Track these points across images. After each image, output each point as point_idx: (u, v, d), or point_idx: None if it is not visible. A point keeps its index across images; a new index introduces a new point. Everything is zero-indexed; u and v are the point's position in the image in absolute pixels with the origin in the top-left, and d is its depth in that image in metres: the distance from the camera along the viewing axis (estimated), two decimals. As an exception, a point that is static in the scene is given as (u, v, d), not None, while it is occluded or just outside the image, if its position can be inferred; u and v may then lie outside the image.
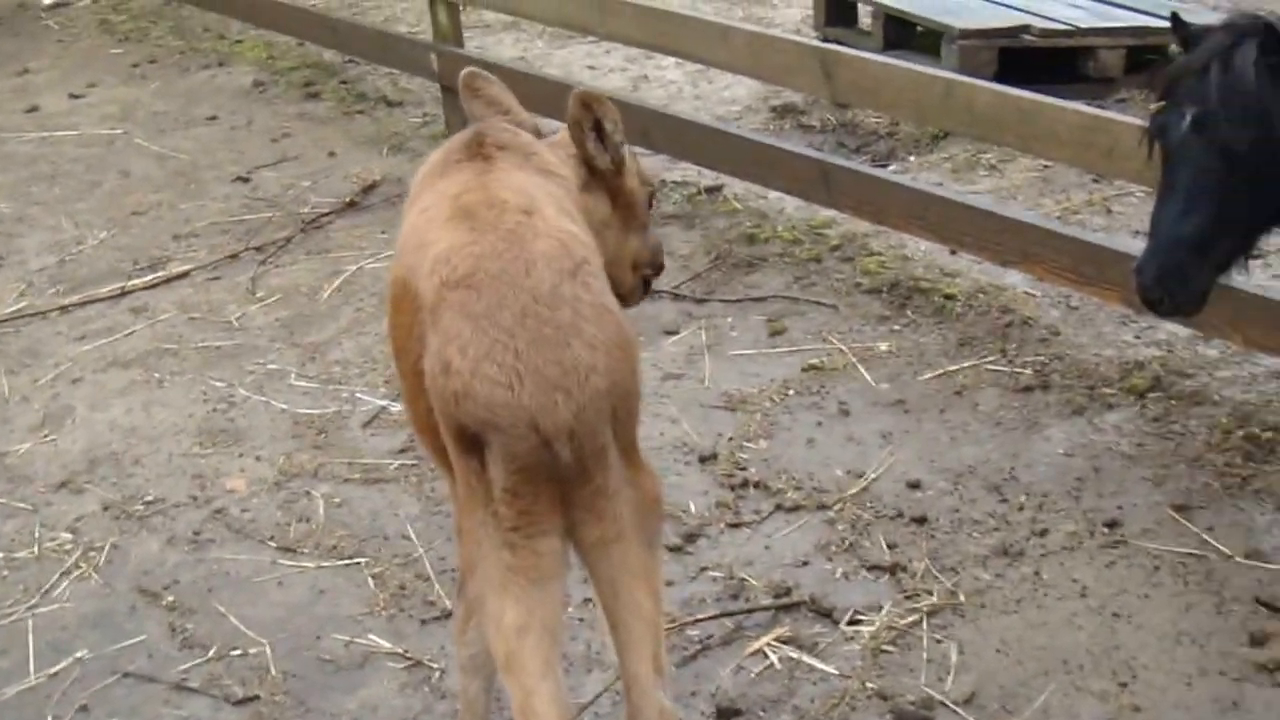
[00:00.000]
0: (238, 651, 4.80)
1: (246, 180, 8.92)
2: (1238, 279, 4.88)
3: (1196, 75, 4.44)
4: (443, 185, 3.46)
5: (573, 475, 3.03)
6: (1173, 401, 5.74)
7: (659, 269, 4.12)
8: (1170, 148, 4.52)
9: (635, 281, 4.02)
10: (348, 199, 8.45)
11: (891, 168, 8.39)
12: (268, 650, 4.78)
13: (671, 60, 9.73)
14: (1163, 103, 4.57)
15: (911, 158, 8.58)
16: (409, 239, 3.40)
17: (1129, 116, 5.90)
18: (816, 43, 7.46)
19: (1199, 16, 9.40)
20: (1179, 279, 4.45)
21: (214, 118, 10.12)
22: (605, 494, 3.08)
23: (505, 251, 3.11)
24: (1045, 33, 9.05)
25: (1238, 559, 4.82)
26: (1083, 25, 9.15)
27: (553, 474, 3.00)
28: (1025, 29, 9.06)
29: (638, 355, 3.18)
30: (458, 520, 3.25)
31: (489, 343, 2.97)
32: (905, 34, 9.89)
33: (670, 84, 10.29)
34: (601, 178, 3.79)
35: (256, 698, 4.59)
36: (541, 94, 8.45)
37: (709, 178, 8.10)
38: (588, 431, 2.99)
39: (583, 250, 3.20)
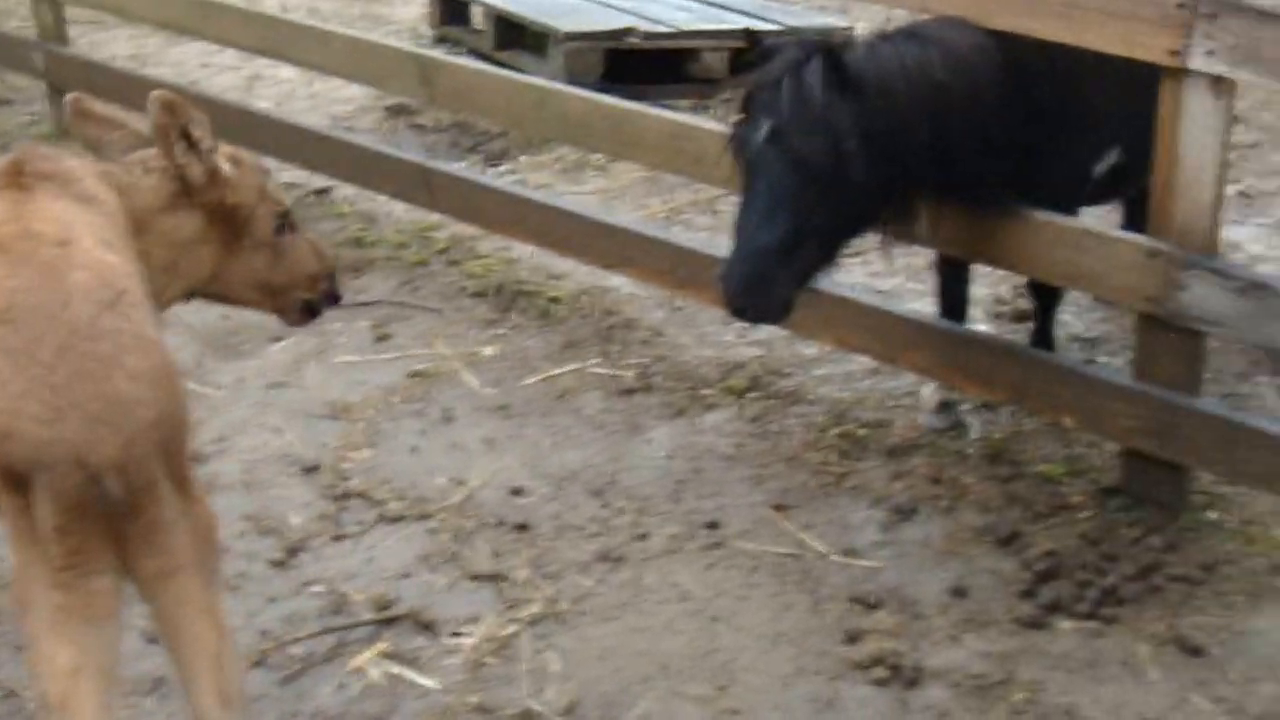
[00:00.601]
0: None
1: None
2: (829, 281, 5.01)
3: (770, 89, 4.53)
4: None
5: (124, 510, 2.93)
6: (771, 401, 5.84)
7: (324, 292, 4.10)
8: (749, 159, 4.61)
9: (280, 303, 4.03)
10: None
11: (503, 168, 8.37)
12: None
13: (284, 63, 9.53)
14: (742, 115, 4.66)
15: (523, 158, 8.58)
16: None
17: (716, 123, 5.98)
18: (415, 48, 7.42)
19: (803, 20, 9.71)
20: (761, 288, 4.55)
21: None
22: (160, 528, 3.00)
23: (41, 285, 3.01)
24: (649, 35, 9.14)
25: (833, 557, 4.91)
26: (687, 27, 9.27)
27: (103, 510, 2.89)
28: (630, 31, 9.13)
29: (183, 386, 3.09)
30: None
31: (28, 379, 2.86)
32: (517, 34, 9.89)
33: (284, 82, 10.10)
34: (198, 192, 3.69)
35: None
36: (148, 95, 8.23)
37: (321, 180, 7.94)
38: (137, 465, 2.91)
39: (122, 281, 3.10)
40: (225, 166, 3.76)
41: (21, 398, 2.85)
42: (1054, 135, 4.98)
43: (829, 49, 4.53)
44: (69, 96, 3.93)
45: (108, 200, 3.48)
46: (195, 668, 3.13)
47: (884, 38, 4.79)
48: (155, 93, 3.64)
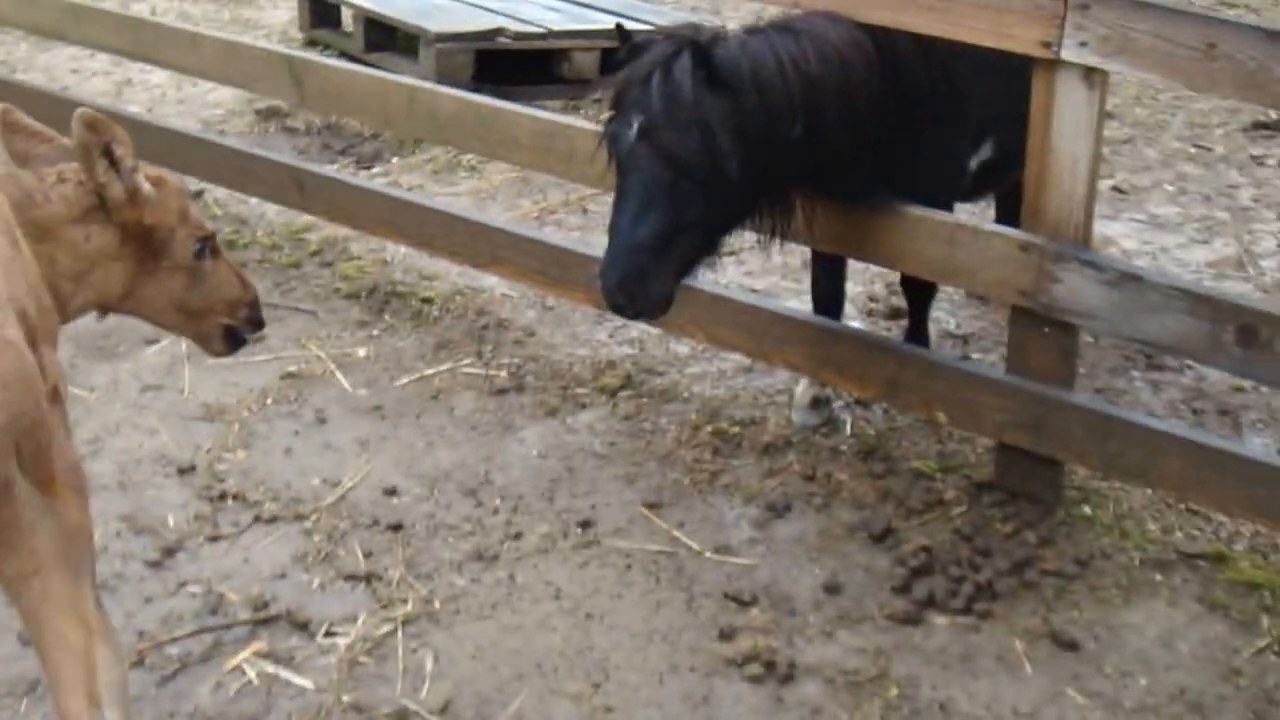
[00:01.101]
0: None
1: None
2: (700, 279, 4.99)
3: (640, 85, 4.51)
4: None
5: None
6: (644, 399, 5.82)
7: (245, 319, 4.14)
8: (621, 156, 4.59)
9: (199, 328, 4.08)
10: None
11: (375, 170, 8.30)
12: None
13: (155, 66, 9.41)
14: (612, 112, 4.63)
15: (395, 160, 8.51)
16: None
17: (587, 122, 5.97)
18: (285, 50, 7.33)
19: (672, 20, 9.71)
20: (639, 283, 4.52)
21: None
22: (17, 528, 2.97)
23: None
24: (519, 35, 9.12)
25: (707, 554, 4.90)
26: (556, 28, 9.26)
27: None
28: (500, 32, 9.10)
29: (40, 388, 3.00)
30: None
31: None
32: (387, 36, 9.84)
33: (155, 88, 9.97)
34: (116, 210, 3.71)
35: None
36: (19, 101, 8.07)
37: (191, 184, 7.82)
38: None
39: None
40: (146, 186, 3.76)
41: None
42: (929, 128, 5.00)
43: (698, 43, 4.50)
44: (1, 109, 3.93)
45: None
46: (62, 668, 3.07)
47: (755, 31, 4.77)
48: (79, 110, 3.63)
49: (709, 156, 4.48)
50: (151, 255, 3.83)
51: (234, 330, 4.14)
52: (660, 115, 4.47)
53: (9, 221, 3.42)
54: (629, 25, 9.21)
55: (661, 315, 4.74)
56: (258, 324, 4.19)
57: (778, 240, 5.01)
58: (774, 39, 4.68)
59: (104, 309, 3.92)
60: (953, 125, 5.09)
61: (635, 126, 4.52)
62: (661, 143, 4.47)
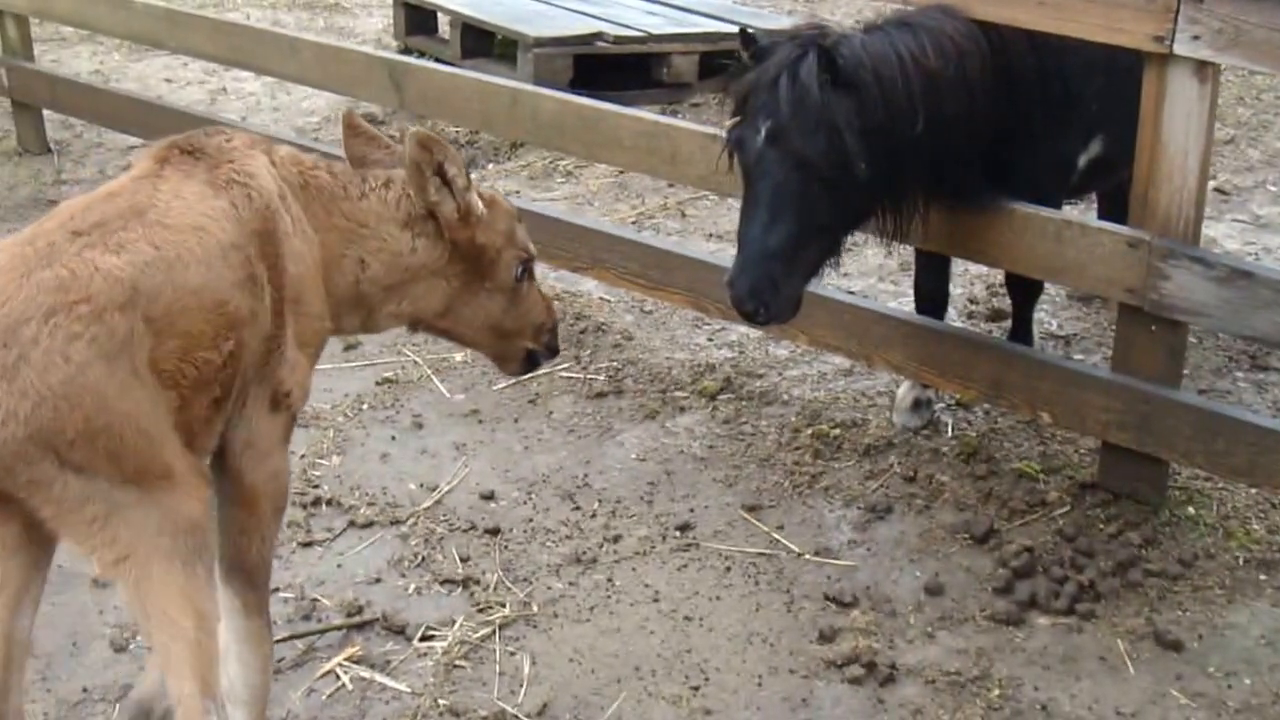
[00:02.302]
0: None
1: None
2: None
3: (767, 89, 4.50)
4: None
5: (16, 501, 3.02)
6: (743, 402, 5.79)
7: (545, 345, 4.08)
8: (748, 161, 4.59)
9: (504, 349, 4.03)
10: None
11: (472, 176, 8.30)
12: None
13: (250, 72, 9.48)
14: (738, 117, 4.62)
15: (490, 166, 8.53)
16: None
17: (690, 123, 5.94)
18: (385, 54, 7.34)
19: (771, 22, 9.68)
20: (771, 289, 4.54)
21: None
22: (84, 520, 3.02)
23: (14, 268, 3.01)
24: (618, 39, 9.12)
25: (807, 556, 4.86)
26: (656, 32, 9.25)
27: None
28: (599, 36, 9.11)
29: (97, 405, 2.98)
30: None
31: None
32: (483, 43, 9.88)
33: (249, 96, 10.08)
34: (448, 226, 3.71)
35: None
36: (114, 109, 8.24)
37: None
38: (5, 468, 2.94)
39: (86, 291, 3.00)
40: (479, 207, 3.75)
41: None
42: (1040, 124, 4.97)
43: (823, 45, 4.49)
44: (344, 111, 3.95)
45: (263, 192, 3.44)
46: (171, 655, 3.10)
47: (874, 29, 4.76)
48: (412, 130, 3.65)
49: (838, 157, 4.47)
50: (477, 275, 3.82)
51: (534, 354, 4.09)
52: (788, 118, 4.46)
53: (278, 214, 3.46)
54: (726, 28, 9.33)
55: (792, 318, 4.73)
56: (554, 351, 4.14)
57: (896, 241, 5.00)
58: (894, 36, 4.66)
59: (416, 324, 3.93)
60: (1063, 122, 5.03)
61: (763, 131, 4.51)
62: (791, 146, 4.47)
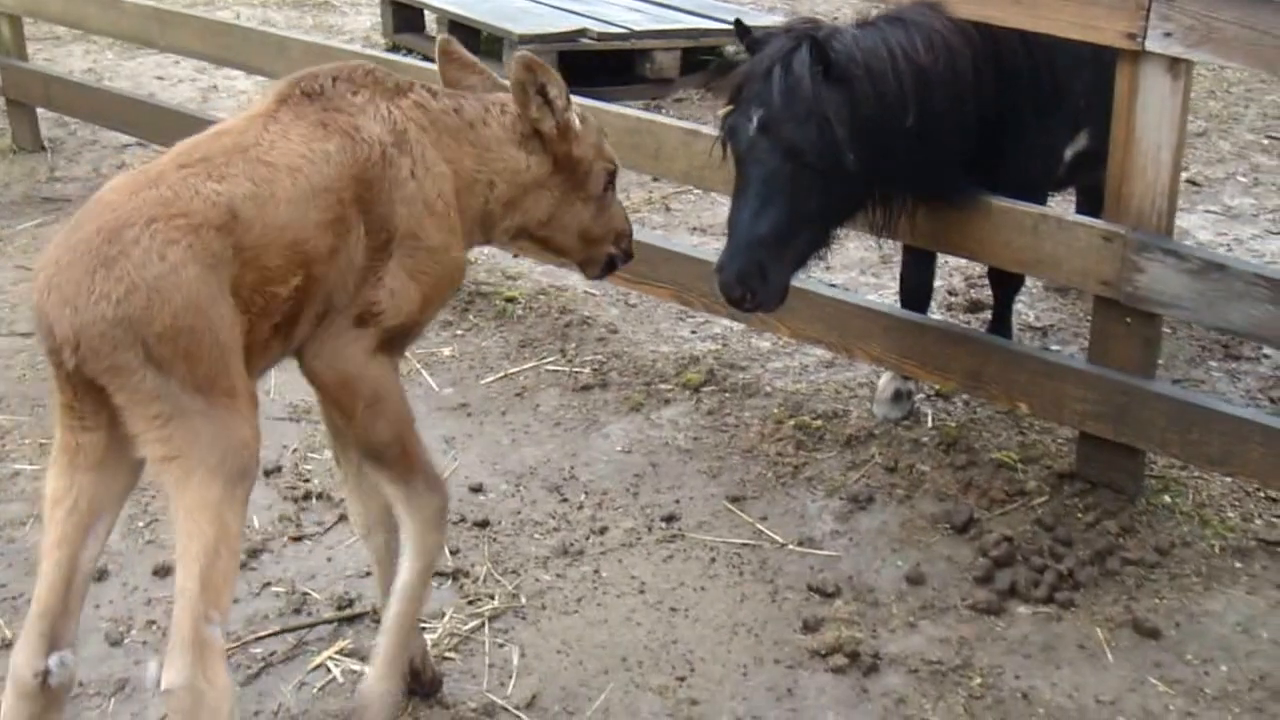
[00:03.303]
0: None
1: None
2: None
3: (761, 79, 4.58)
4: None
5: (87, 382, 3.19)
6: (727, 395, 5.86)
7: (623, 250, 4.30)
8: (740, 149, 4.67)
9: (591, 254, 4.25)
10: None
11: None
12: None
13: (241, 71, 9.53)
14: (731, 106, 4.69)
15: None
16: None
17: (673, 119, 5.99)
18: (372, 51, 7.39)
19: (753, 18, 9.75)
20: (759, 276, 4.62)
21: None
22: (148, 414, 3.18)
23: (126, 186, 3.29)
24: (602, 36, 9.18)
25: (791, 547, 4.93)
26: (639, 28, 9.31)
27: (73, 378, 3.20)
28: (583, 33, 9.17)
29: (186, 305, 3.16)
30: None
31: (51, 256, 3.20)
32: (470, 40, 9.93)
33: (240, 94, 10.15)
34: (546, 141, 3.96)
35: None
36: (107, 107, 8.30)
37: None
38: (91, 349, 3.12)
39: (186, 208, 3.24)
40: (577, 123, 4.00)
41: (43, 269, 3.20)
42: (1029, 116, 5.04)
43: (816, 38, 4.56)
44: (440, 37, 4.21)
45: (370, 138, 3.63)
46: (188, 553, 3.21)
47: (867, 24, 4.84)
48: (518, 53, 3.93)
49: (828, 148, 4.55)
50: (573, 186, 4.06)
51: (613, 258, 4.31)
52: (780, 108, 4.54)
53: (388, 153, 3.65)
54: (707, 24, 9.39)
55: (778, 307, 4.81)
56: (629, 255, 4.34)
57: (885, 235, 5.08)
58: (885, 31, 4.75)
59: (520, 234, 4.17)
60: (1052, 115, 5.12)
61: (755, 120, 4.60)
62: (782, 135, 4.56)
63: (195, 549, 3.20)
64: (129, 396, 3.17)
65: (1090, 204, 5.93)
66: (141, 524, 5.05)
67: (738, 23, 4.86)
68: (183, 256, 3.17)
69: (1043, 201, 5.34)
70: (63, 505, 3.38)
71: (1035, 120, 5.08)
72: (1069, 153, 5.35)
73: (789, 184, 4.60)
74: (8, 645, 4.42)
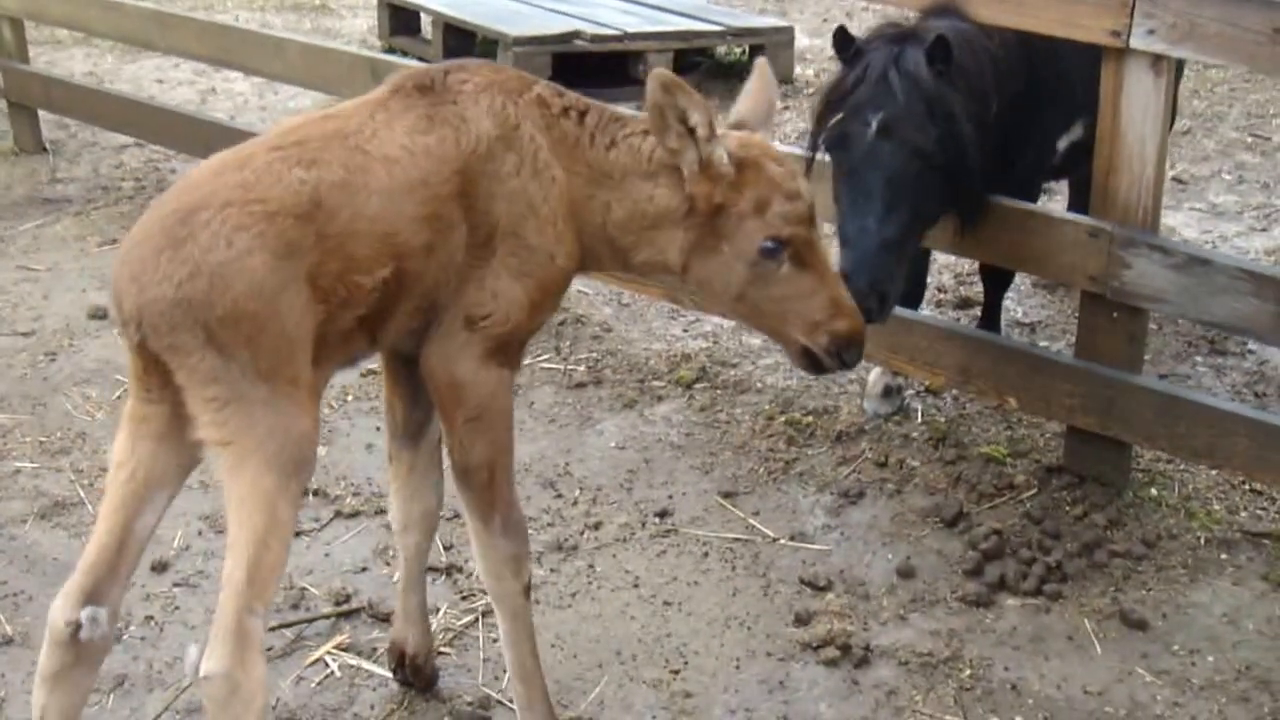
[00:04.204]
0: None
1: None
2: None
3: (874, 84, 4.57)
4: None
5: (151, 358, 3.23)
6: (719, 391, 5.91)
7: (825, 349, 3.67)
8: (855, 157, 4.64)
9: (778, 331, 3.71)
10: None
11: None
12: None
13: (240, 73, 9.58)
14: (839, 116, 4.67)
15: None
16: None
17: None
18: (368, 53, 7.43)
19: (743, 21, 9.81)
20: (890, 283, 4.63)
21: None
22: (206, 396, 3.19)
23: (214, 166, 3.32)
24: (596, 38, 9.24)
25: (782, 541, 4.98)
26: (632, 30, 9.36)
27: (140, 350, 3.23)
28: (577, 35, 9.23)
29: (250, 292, 3.16)
30: None
31: (134, 231, 3.25)
32: (465, 42, 9.99)
33: (238, 96, 10.19)
34: (689, 178, 3.54)
35: None
36: (107, 109, 8.35)
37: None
38: (152, 326, 3.15)
39: (264, 194, 3.23)
40: (723, 163, 3.52)
41: (124, 244, 3.27)
42: (1033, 106, 5.10)
43: (925, 40, 4.62)
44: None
45: (476, 134, 3.49)
46: (237, 539, 3.22)
47: (939, 20, 4.87)
48: (656, 70, 3.50)
49: (954, 144, 4.61)
50: (713, 234, 3.57)
51: (811, 353, 3.69)
52: (903, 109, 4.57)
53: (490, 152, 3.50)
54: (699, 26, 9.45)
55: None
56: (843, 362, 3.71)
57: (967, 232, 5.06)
58: (959, 26, 4.79)
59: (668, 273, 3.77)
60: (1051, 103, 5.17)
61: (874, 124, 4.60)
62: (906, 136, 4.58)
63: (245, 538, 3.19)
64: (188, 376, 3.18)
65: (1081, 199, 5.96)
66: (140, 522, 5.08)
67: (840, 30, 4.79)
68: (250, 243, 3.15)
69: (1036, 191, 5.36)
70: (124, 471, 3.40)
71: (1038, 109, 5.13)
72: (1063, 142, 5.39)
73: (914, 185, 4.62)
74: (8, 642, 4.48)
